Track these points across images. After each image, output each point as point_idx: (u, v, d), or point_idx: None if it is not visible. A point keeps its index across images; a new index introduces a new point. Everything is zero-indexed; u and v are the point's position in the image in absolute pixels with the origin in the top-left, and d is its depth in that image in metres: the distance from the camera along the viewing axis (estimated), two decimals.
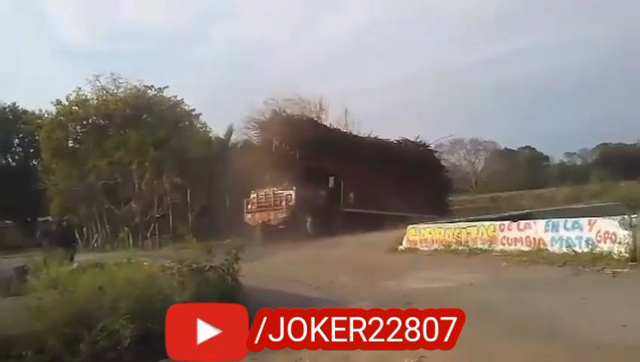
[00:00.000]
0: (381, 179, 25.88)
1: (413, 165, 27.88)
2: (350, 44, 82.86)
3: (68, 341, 5.99)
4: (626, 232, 9.72)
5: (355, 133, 29.13)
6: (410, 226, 15.28)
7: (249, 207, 24.37)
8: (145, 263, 9.49)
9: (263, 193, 24.22)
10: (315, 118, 28.40)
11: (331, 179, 24.59)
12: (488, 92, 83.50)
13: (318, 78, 71.87)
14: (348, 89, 68.29)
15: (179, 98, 33.88)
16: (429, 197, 28.32)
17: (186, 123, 34.12)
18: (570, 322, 6.36)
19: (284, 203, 23.29)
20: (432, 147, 32.09)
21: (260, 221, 23.40)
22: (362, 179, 25.40)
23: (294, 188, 23.44)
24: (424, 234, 14.60)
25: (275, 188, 24.06)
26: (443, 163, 33.61)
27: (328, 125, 27.46)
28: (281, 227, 22.79)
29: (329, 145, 24.67)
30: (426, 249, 14.14)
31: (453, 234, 13.69)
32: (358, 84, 72.24)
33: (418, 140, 30.92)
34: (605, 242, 10.11)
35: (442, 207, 30.69)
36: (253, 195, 24.43)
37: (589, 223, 10.66)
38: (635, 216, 10.10)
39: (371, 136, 29.21)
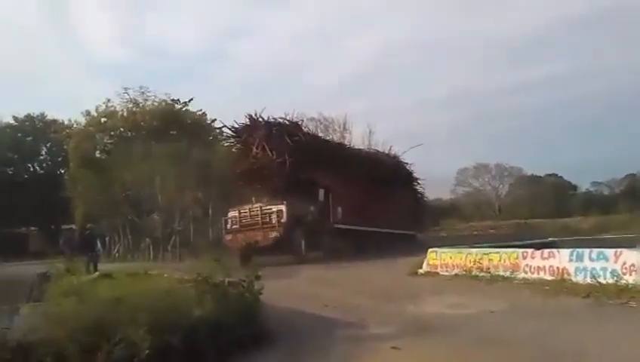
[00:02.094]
0: (365, 191, 24.24)
1: (390, 177, 26.56)
2: (374, 65, 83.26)
3: (86, 349, 6.03)
4: None
5: (338, 141, 27.66)
6: (430, 250, 15.14)
7: (228, 226, 21.31)
8: (165, 275, 9.55)
9: (247, 210, 21.02)
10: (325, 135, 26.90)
11: (321, 192, 22.13)
12: (515, 117, 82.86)
13: (342, 99, 72.33)
14: (372, 111, 68.38)
15: (203, 112, 34.41)
16: (406, 212, 28.10)
17: (210, 137, 34.58)
18: (593, 356, 6.21)
19: (274, 220, 19.90)
20: (402, 158, 29.74)
21: (244, 242, 19.90)
22: (348, 191, 23.39)
23: (285, 202, 20.13)
24: (445, 259, 14.43)
25: (261, 204, 20.85)
26: (415, 175, 30.44)
27: (308, 131, 24.68)
28: (270, 248, 19.75)
29: (316, 153, 21.97)
30: (446, 273, 13.95)
31: (475, 259, 13.49)
32: (382, 106, 72.42)
33: (390, 151, 29.15)
34: (631, 274, 9.87)
35: (418, 221, 30.04)
36: (232, 213, 21.38)
37: (615, 254, 10.42)
38: None
39: (353, 145, 27.68)
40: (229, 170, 23.65)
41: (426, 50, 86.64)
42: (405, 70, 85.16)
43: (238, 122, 23.54)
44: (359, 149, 27.66)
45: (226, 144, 26.49)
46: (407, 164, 29.61)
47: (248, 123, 22.94)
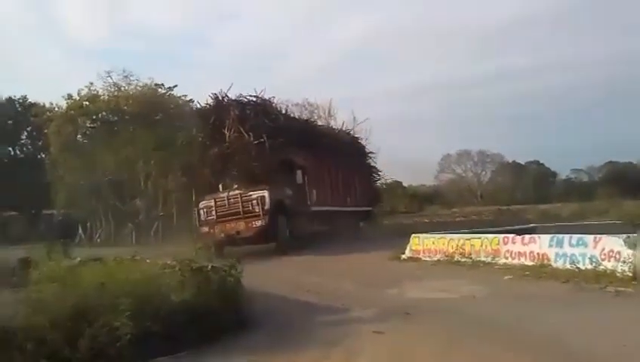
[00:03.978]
0: (333, 171, 23.70)
1: (351, 155, 26.01)
2: (357, 52, 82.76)
3: (68, 335, 6.01)
4: (630, 251, 9.66)
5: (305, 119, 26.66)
6: (413, 235, 15.25)
7: (203, 217, 19.20)
8: (147, 260, 9.51)
9: (224, 198, 18.96)
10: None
11: (299, 174, 20.34)
12: (498, 105, 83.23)
13: (324, 85, 72.09)
14: (354, 97, 68.18)
15: (188, 97, 34.05)
16: (365, 188, 27.79)
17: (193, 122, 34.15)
18: (571, 339, 6.33)
19: (257, 208, 18.08)
20: (354, 134, 28.88)
21: (222, 234, 18.22)
22: (320, 172, 22.37)
23: (267, 188, 18.42)
24: (427, 244, 14.57)
25: (240, 191, 18.79)
26: (368, 149, 29.13)
27: (280, 109, 22.75)
28: (254, 238, 18.23)
29: (291, 132, 20.41)
30: (428, 259, 14.09)
31: (457, 245, 13.64)
32: (364, 92, 72.08)
33: (343, 127, 28.28)
34: (609, 260, 10.06)
35: (374, 197, 29.72)
36: (206, 202, 19.34)
37: (594, 241, 10.61)
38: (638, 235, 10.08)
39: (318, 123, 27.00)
40: (200, 156, 21.76)
41: (409, 37, 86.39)
42: (388, 56, 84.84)
43: (202, 103, 21.88)
44: (324, 126, 27.14)
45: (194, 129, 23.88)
46: (360, 138, 28.99)
47: (214, 104, 21.15)
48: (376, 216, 29.75)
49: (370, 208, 28.51)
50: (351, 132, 28.50)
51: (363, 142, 29.07)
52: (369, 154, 29.15)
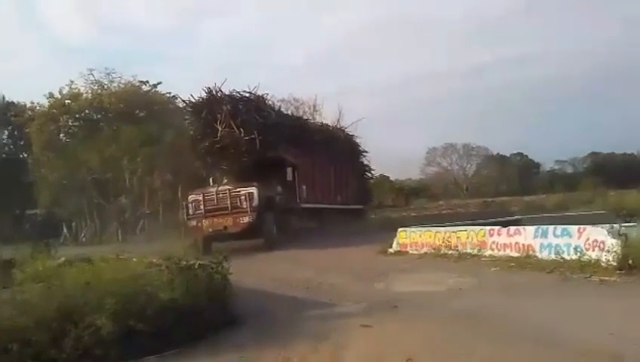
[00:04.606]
0: (324, 168, 23.87)
1: (343, 153, 26.08)
2: (342, 45, 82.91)
3: (54, 335, 5.95)
4: (614, 241, 9.77)
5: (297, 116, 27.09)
6: (400, 229, 15.29)
7: (191, 211, 19.12)
8: (133, 259, 9.43)
9: (212, 193, 19.02)
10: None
11: (289, 171, 20.53)
12: (482, 98, 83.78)
13: (311, 79, 72.03)
14: (340, 91, 68.24)
15: (172, 94, 33.79)
16: (357, 186, 27.97)
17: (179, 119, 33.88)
18: (558, 328, 6.39)
19: (245, 204, 18.16)
20: (349, 131, 28.65)
21: (210, 229, 18.29)
22: (311, 169, 22.55)
23: (256, 184, 18.53)
24: (414, 238, 14.61)
25: (229, 186, 18.98)
26: (361, 148, 29.09)
27: (272, 105, 22.83)
28: (241, 234, 18.26)
29: (282, 129, 20.75)
30: (415, 252, 14.14)
31: (443, 238, 13.70)
32: (350, 86, 72.31)
33: (338, 124, 28.41)
34: (594, 250, 10.15)
35: (365, 196, 29.96)
36: (195, 196, 19.28)
37: (579, 231, 10.70)
38: (623, 224, 10.20)
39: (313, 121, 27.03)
40: (191, 150, 22.02)
41: (392, 30, 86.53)
42: (374, 50, 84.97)
43: (195, 97, 21.60)
44: (317, 124, 27.07)
45: (186, 122, 24.16)
46: (354, 136, 28.70)
47: (207, 97, 21.00)
48: (367, 214, 29.80)
49: (361, 206, 28.63)
50: (345, 130, 28.36)
51: (357, 140, 28.87)
52: (362, 153, 29.33)
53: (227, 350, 6.58)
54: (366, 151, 29.32)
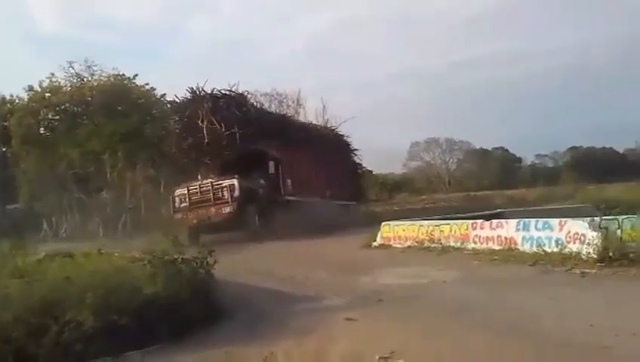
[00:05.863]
0: (311, 163, 24.31)
1: (333, 150, 26.79)
2: (327, 41, 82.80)
3: (33, 331, 5.86)
4: (594, 234, 9.89)
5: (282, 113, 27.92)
6: (384, 223, 15.35)
7: (177, 205, 20.13)
8: (115, 254, 9.33)
9: (197, 186, 19.92)
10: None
11: (271, 164, 21.47)
12: (465, 93, 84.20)
13: (296, 74, 71.89)
14: (324, 86, 68.21)
15: (151, 86, 33.48)
16: (347, 183, 28.26)
17: (159, 112, 33.52)
18: (539, 320, 6.46)
19: (227, 195, 19.12)
20: (339, 130, 29.66)
21: (195, 220, 19.10)
22: (296, 163, 23.20)
23: (237, 176, 19.45)
24: (398, 231, 14.67)
25: (212, 180, 19.89)
26: (352, 146, 29.96)
27: (254, 103, 24.29)
28: (224, 224, 19.01)
29: (263, 124, 21.78)
30: (399, 246, 14.19)
31: (427, 231, 13.78)
32: (335, 81, 72.27)
33: (327, 123, 29.48)
34: (575, 243, 10.27)
35: (358, 192, 30.30)
36: (181, 190, 20.25)
37: (560, 224, 10.83)
38: (603, 218, 10.34)
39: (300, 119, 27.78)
40: (176, 147, 23.08)
41: (377, 27, 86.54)
42: (357, 46, 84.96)
43: (179, 97, 23.00)
44: (303, 122, 27.95)
45: (171, 120, 25.34)
46: (344, 135, 29.42)
47: (190, 97, 22.32)
48: (359, 210, 29.76)
49: (353, 202, 28.79)
50: (335, 129, 29.13)
51: (347, 139, 29.52)
52: (353, 151, 29.86)
53: (212, 344, 6.53)
54: (357, 150, 29.97)
